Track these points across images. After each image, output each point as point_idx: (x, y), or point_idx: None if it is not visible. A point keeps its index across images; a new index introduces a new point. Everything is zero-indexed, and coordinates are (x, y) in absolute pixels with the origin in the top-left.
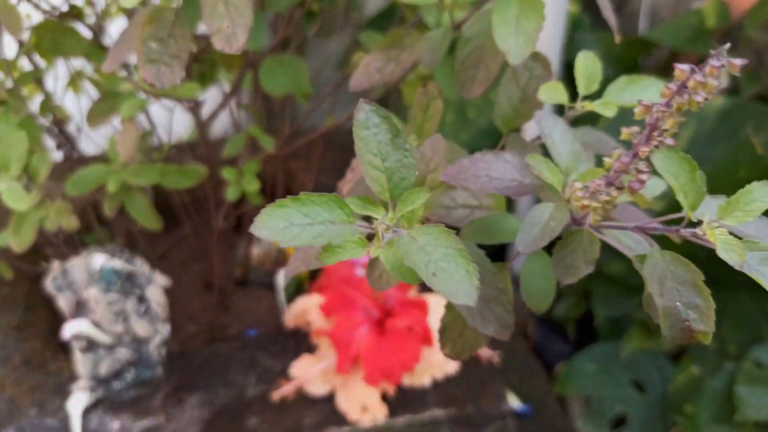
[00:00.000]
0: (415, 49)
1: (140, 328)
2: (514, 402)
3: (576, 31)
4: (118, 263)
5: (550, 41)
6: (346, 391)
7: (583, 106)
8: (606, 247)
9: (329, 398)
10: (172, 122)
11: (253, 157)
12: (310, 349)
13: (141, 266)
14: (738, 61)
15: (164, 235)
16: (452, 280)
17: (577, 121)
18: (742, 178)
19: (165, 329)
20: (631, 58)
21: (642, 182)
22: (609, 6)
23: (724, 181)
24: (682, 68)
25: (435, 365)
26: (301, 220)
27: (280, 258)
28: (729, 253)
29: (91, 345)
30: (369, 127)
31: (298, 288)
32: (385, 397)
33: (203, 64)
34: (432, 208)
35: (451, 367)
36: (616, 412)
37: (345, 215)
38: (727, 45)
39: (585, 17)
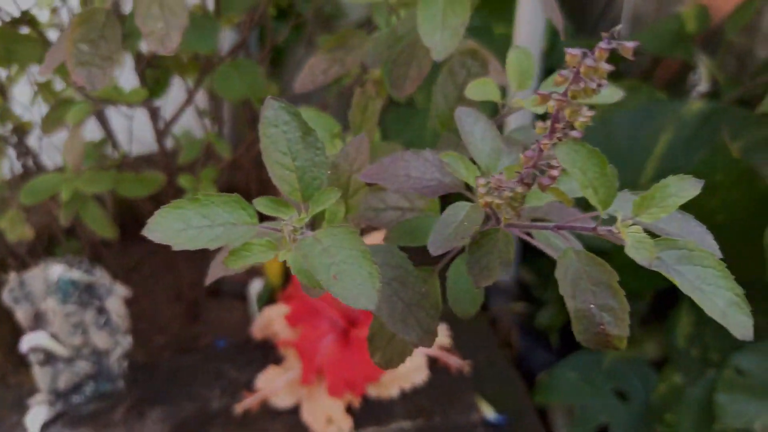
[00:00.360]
0: (361, 50)
1: (100, 340)
2: (488, 412)
3: (558, 38)
4: (76, 274)
5: (529, 49)
6: (311, 403)
7: (515, 103)
8: None
9: (294, 410)
10: (132, 129)
11: (211, 164)
12: (278, 360)
13: (101, 277)
14: (629, 44)
15: (137, 245)
16: (354, 283)
17: None
18: (719, 182)
19: (126, 341)
20: (612, 63)
21: (553, 178)
22: (553, 5)
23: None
24: (572, 53)
25: (403, 376)
26: (199, 221)
27: (254, 268)
28: (639, 251)
29: (49, 358)
30: (278, 124)
31: (270, 298)
32: (351, 409)
33: (157, 69)
34: (360, 210)
35: (420, 377)
36: (598, 422)
37: (247, 216)
38: (620, 26)
39: (567, 24)
